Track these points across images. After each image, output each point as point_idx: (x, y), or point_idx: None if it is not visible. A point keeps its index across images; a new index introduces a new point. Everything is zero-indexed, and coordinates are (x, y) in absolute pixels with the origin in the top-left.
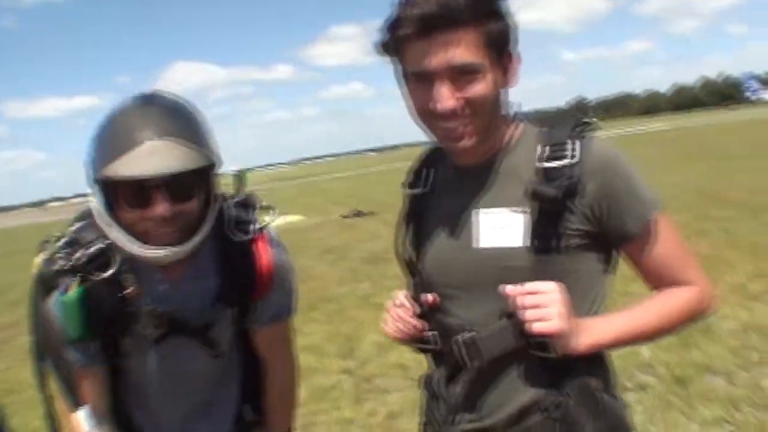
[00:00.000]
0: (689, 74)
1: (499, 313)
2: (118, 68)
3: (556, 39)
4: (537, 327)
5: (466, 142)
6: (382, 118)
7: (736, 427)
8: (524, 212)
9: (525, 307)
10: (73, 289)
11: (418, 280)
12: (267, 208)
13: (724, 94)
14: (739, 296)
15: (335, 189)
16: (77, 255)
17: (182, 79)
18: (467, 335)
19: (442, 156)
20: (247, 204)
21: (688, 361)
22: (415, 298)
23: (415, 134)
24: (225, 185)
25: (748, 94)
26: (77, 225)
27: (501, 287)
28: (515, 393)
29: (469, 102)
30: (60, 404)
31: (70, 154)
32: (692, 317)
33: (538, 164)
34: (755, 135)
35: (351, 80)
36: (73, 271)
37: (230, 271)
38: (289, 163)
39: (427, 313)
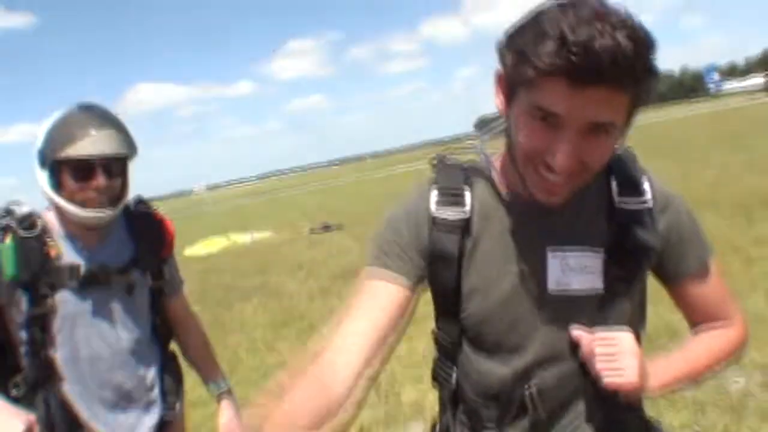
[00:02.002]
0: None
1: (555, 352)
2: (81, 93)
3: None
4: (610, 380)
5: (556, 199)
6: (343, 129)
7: (703, 431)
8: (601, 253)
9: (598, 356)
10: (7, 240)
11: (458, 322)
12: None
13: (686, 87)
14: None
15: (303, 203)
16: (9, 217)
17: (145, 99)
18: (534, 387)
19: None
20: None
21: None
22: (448, 349)
23: (379, 143)
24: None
25: (710, 86)
26: (8, 201)
27: (572, 330)
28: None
29: (584, 164)
30: None
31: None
32: (735, 354)
33: (617, 201)
34: (717, 127)
35: (311, 93)
36: (6, 228)
37: (141, 236)
38: (257, 177)
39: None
